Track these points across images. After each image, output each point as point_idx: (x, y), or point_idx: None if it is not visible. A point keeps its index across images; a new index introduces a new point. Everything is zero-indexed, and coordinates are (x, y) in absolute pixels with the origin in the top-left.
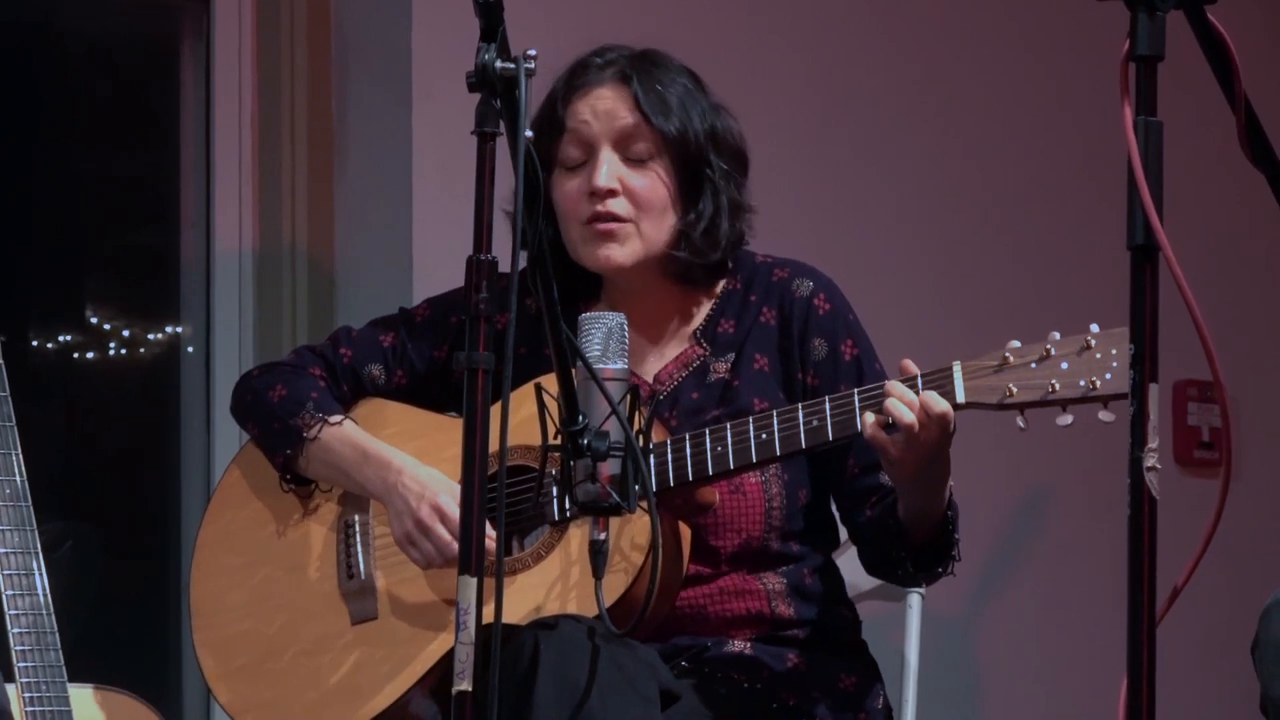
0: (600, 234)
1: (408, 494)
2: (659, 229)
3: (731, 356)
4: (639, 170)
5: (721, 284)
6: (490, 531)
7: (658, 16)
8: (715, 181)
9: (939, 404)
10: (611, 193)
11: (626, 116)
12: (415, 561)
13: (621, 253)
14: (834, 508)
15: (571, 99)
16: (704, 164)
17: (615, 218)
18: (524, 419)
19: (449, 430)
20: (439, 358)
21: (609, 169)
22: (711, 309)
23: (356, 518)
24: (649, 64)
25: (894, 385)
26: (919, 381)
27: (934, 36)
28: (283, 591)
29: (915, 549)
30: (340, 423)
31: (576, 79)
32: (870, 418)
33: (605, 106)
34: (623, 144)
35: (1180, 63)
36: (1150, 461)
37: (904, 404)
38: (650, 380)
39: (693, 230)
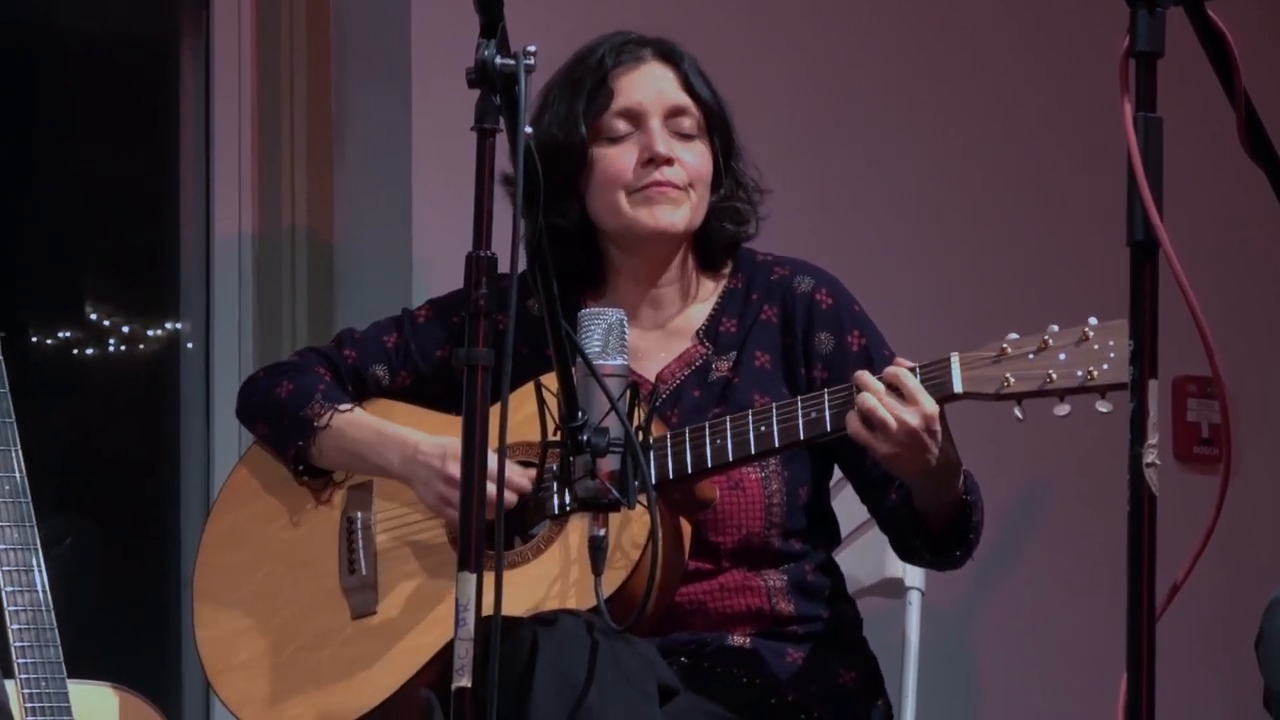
0: (658, 196)
1: (429, 459)
2: (704, 202)
3: (733, 355)
4: (687, 144)
5: (724, 282)
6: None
7: (658, 14)
8: (734, 162)
9: (907, 381)
10: (669, 160)
11: (678, 92)
12: (452, 521)
13: (677, 216)
14: (846, 503)
15: (619, 74)
16: (730, 144)
17: (674, 185)
18: (526, 417)
19: (454, 428)
20: (442, 358)
21: (665, 139)
22: (714, 307)
23: (359, 514)
24: (677, 47)
25: (863, 375)
26: (917, 372)
27: (934, 34)
28: (285, 588)
29: (933, 536)
30: (350, 410)
31: (620, 56)
32: (853, 415)
33: (657, 83)
34: (671, 118)
35: (1180, 59)
36: (1150, 458)
37: (870, 393)
38: (652, 379)
39: (729, 203)
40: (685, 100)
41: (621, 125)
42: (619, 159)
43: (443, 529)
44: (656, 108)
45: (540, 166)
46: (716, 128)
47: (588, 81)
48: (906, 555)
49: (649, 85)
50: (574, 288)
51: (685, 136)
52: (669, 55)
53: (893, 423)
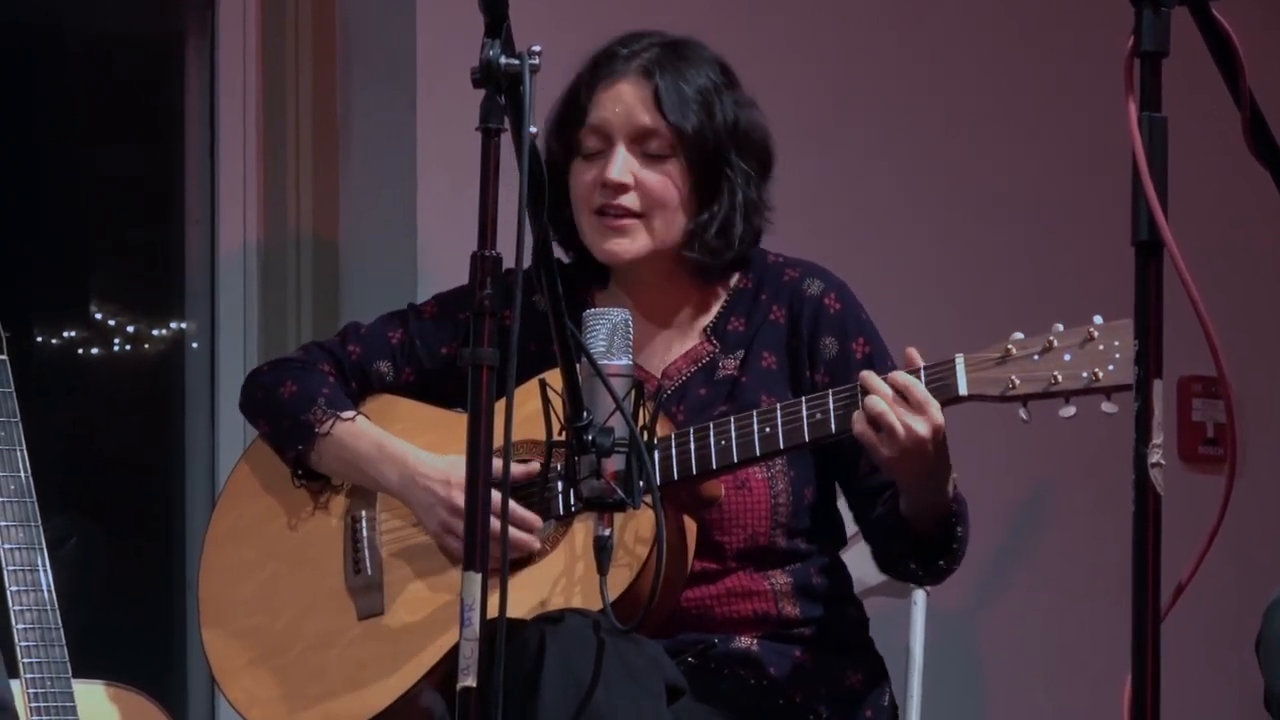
0: (608, 227)
1: (431, 484)
2: (669, 226)
3: (740, 354)
4: (654, 166)
5: (733, 281)
6: (526, 520)
7: (662, 14)
8: (733, 180)
9: (916, 389)
10: (623, 187)
11: (644, 114)
12: (456, 551)
13: (629, 246)
14: (847, 507)
15: (594, 89)
16: (722, 162)
17: (625, 211)
18: (530, 414)
19: (458, 426)
20: (448, 354)
21: (622, 163)
22: (722, 306)
23: (364, 513)
24: (676, 57)
25: (869, 377)
26: (922, 374)
27: (939, 34)
28: (290, 587)
29: (918, 544)
30: (353, 418)
31: (601, 69)
32: (860, 415)
33: (625, 102)
34: (639, 140)
35: (1185, 58)
36: (1155, 458)
37: (878, 394)
38: (658, 375)
39: (706, 230)
40: (652, 122)
41: (593, 142)
42: (584, 179)
43: None
44: (622, 129)
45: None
46: (690, 149)
47: (570, 93)
48: (889, 565)
49: (618, 105)
50: (581, 283)
51: (653, 158)
52: (649, 70)
53: (900, 429)
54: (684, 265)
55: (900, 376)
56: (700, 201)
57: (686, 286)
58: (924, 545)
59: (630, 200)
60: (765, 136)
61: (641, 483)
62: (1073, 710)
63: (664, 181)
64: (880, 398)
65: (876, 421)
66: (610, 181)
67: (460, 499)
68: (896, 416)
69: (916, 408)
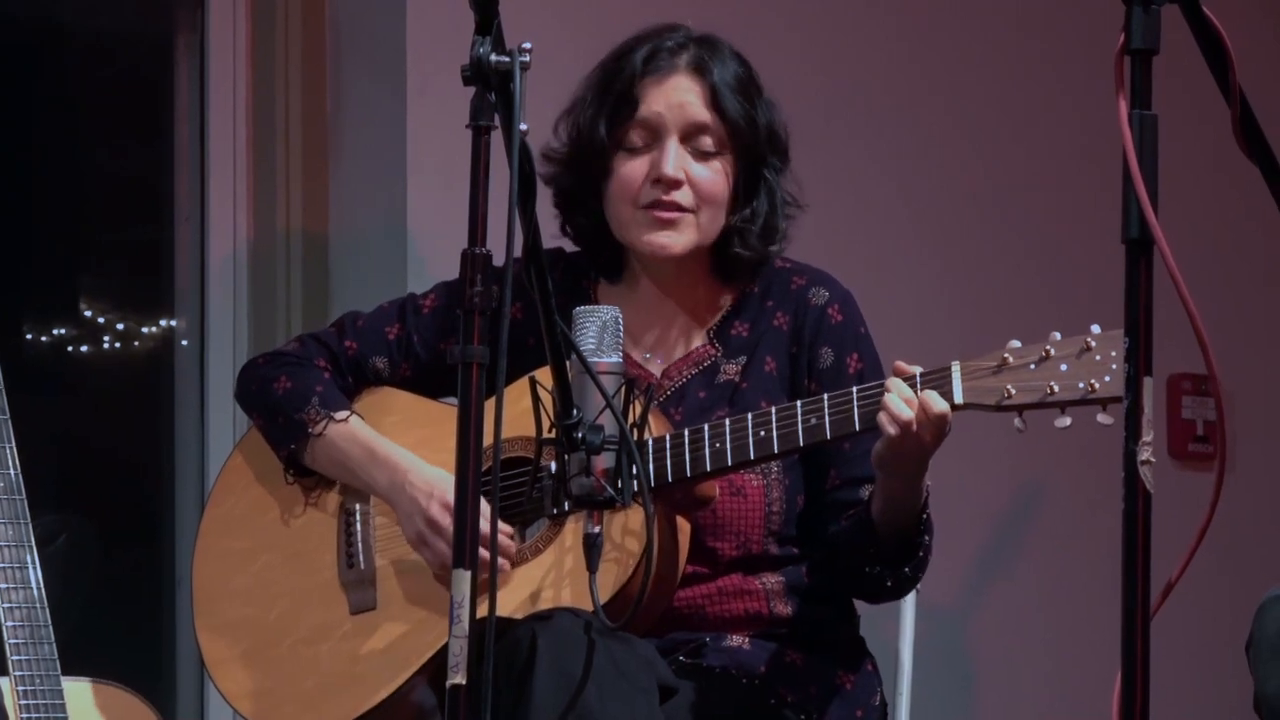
0: (660, 220)
1: (415, 493)
2: (714, 222)
3: (743, 359)
4: (704, 162)
5: (741, 286)
6: (507, 528)
7: (658, 9)
8: (770, 178)
9: (937, 404)
10: (677, 183)
11: (700, 109)
12: (429, 562)
13: (678, 241)
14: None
15: (646, 83)
16: (761, 161)
17: (678, 207)
18: (523, 410)
19: (452, 421)
20: (445, 349)
21: (676, 159)
22: (728, 310)
23: (358, 506)
24: (715, 53)
25: (895, 382)
26: (918, 380)
27: (935, 33)
28: (283, 578)
29: (886, 550)
30: (346, 419)
31: (652, 63)
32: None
33: (680, 97)
34: (691, 136)
35: (1176, 56)
36: (1145, 455)
37: (903, 400)
38: (658, 374)
39: (750, 225)
40: (707, 117)
41: (640, 137)
42: (632, 172)
43: None
44: (675, 124)
45: (569, 159)
46: (741, 145)
47: (616, 86)
48: (852, 576)
49: (671, 100)
50: (590, 272)
51: (703, 154)
52: (701, 67)
53: (919, 433)
54: (708, 264)
55: (932, 400)
56: (740, 199)
57: (703, 286)
58: (891, 551)
59: (684, 196)
60: (787, 133)
61: (634, 481)
62: (1063, 709)
63: (714, 178)
64: (907, 404)
65: (899, 423)
66: (666, 177)
67: (438, 512)
68: (917, 421)
69: (934, 420)
